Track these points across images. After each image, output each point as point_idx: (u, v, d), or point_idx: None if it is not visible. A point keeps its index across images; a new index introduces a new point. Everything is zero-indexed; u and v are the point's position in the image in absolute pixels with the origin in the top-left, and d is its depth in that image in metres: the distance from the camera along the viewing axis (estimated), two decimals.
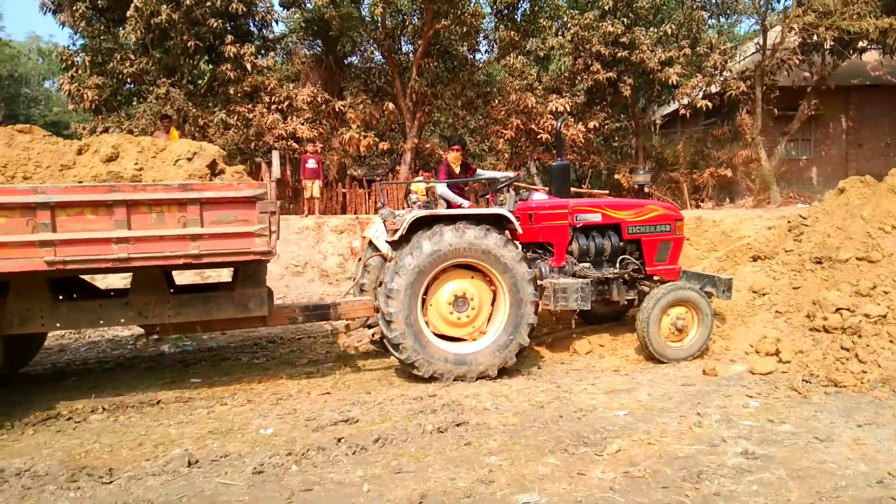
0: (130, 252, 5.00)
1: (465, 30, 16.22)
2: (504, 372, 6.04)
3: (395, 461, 4.09)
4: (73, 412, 5.18)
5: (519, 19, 17.46)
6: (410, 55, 18.64)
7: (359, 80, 19.26)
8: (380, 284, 5.95)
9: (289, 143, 16.74)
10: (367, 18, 17.04)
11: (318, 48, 19.83)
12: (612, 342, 7.22)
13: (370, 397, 5.52)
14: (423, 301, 5.92)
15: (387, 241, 6.36)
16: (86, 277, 6.37)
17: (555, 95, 18.27)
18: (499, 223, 6.11)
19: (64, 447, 4.47)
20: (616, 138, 21.75)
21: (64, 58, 16.35)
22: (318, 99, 17.15)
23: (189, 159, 5.52)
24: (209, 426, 4.82)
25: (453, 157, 7.58)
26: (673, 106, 20.09)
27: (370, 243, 6.91)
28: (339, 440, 4.41)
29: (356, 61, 20.45)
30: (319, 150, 16.28)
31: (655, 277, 7.04)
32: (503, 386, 5.73)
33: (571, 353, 7.04)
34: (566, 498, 3.52)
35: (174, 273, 6.46)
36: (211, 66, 16.98)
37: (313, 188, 14.68)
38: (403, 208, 7.69)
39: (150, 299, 5.59)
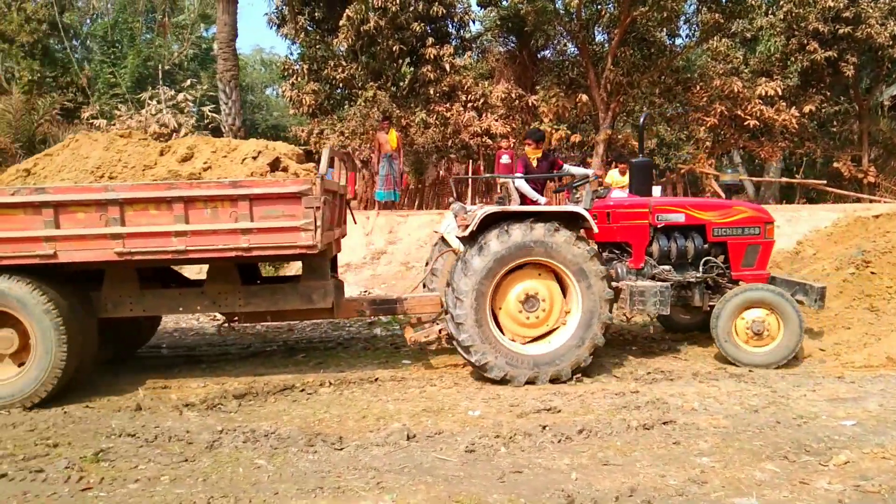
0: (188, 245, 5.36)
1: (664, 15, 15.61)
2: (584, 372, 5.89)
3: (602, 453, 4.13)
4: (305, 385, 5.82)
5: (724, 0, 16.42)
6: (605, 45, 18.30)
7: (552, 73, 19.25)
8: (448, 285, 5.84)
9: (483, 140, 17.22)
10: (561, 11, 17.00)
11: (511, 44, 20.12)
12: (833, 347, 6.63)
13: (571, 389, 5.59)
14: (493, 301, 5.82)
15: (457, 237, 6.29)
16: (175, 268, 6.88)
17: (764, 79, 16.99)
18: (573, 221, 5.91)
19: (300, 415, 5.05)
20: (834, 123, 19.70)
21: (285, 67, 18.17)
22: (512, 95, 17.43)
23: (254, 158, 5.73)
24: (422, 405, 5.18)
25: (529, 151, 7.21)
26: None
27: (442, 238, 6.91)
28: (544, 427, 4.53)
29: (549, 55, 20.45)
30: (513, 146, 16.56)
31: (741, 283, 6.53)
32: (711, 387, 5.52)
33: None
34: None
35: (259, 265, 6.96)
36: (412, 69, 17.93)
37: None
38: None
39: (223, 289, 5.96)
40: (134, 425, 4.73)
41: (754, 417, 4.73)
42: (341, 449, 4.28)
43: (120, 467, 4.00)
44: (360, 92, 16.66)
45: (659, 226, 6.49)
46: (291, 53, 20.19)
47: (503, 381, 5.68)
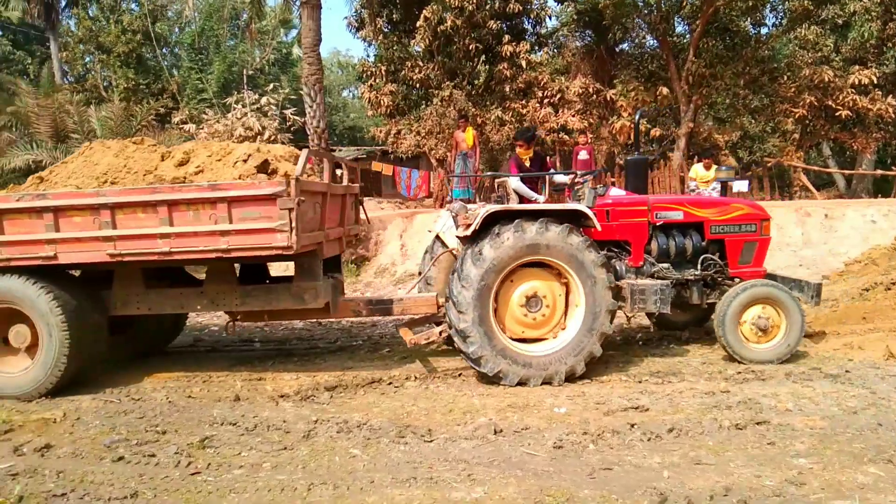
0: (171, 247, 5.46)
1: (749, 3, 15.11)
2: (595, 371, 5.87)
3: (693, 452, 4.08)
4: (392, 379, 5.97)
5: None
6: (686, 36, 17.84)
7: (630, 66, 18.94)
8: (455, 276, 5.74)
9: (559, 136, 17.11)
10: (640, 3, 16.68)
11: (588, 38, 19.91)
12: None
13: (658, 388, 5.52)
14: (496, 300, 5.76)
15: (457, 237, 6.18)
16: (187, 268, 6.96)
17: (857, 67, 16.15)
18: (576, 219, 5.88)
19: (389, 407, 5.19)
20: None
21: (363, 69, 18.56)
22: (590, 89, 17.24)
23: (244, 161, 5.79)
24: (507, 400, 5.24)
25: (521, 152, 7.23)
26: None
27: (437, 238, 6.83)
28: (632, 426, 4.51)
29: (627, 48, 20.12)
30: (590, 141, 16.37)
31: (738, 280, 6.45)
32: (806, 388, 5.34)
33: (886, 356, 6.27)
34: None
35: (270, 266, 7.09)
36: (488, 67, 17.99)
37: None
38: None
39: (221, 289, 6.05)
40: (234, 415, 4.99)
41: (853, 419, 4.55)
42: (431, 441, 4.39)
43: (224, 454, 4.23)
44: (436, 91, 16.86)
45: (658, 224, 6.42)
46: (368, 56, 20.64)
47: (495, 378, 5.62)
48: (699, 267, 6.43)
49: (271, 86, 23.22)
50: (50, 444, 4.45)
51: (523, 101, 16.97)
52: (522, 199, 6.94)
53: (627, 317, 6.94)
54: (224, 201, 5.35)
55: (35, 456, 4.27)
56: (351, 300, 6.61)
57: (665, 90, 17.11)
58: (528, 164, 7.20)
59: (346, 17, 17.99)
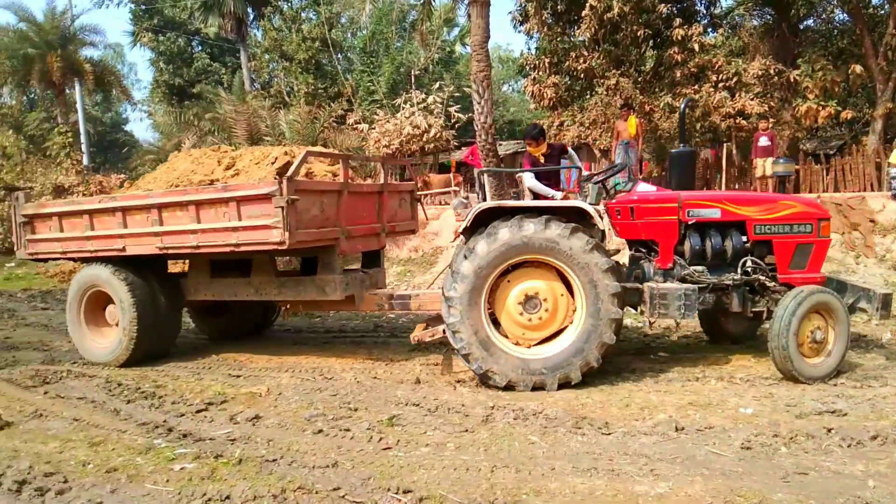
0: (199, 241, 6.11)
1: None
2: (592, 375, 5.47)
3: None
4: None
5: None
6: (884, 7, 16.05)
7: (816, 44, 17.40)
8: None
9: (736, 121, 16.09)
10: None
11: (768, 16, 18.53)
12: None
13: (857, 392, 5.11)
14: (491, 302, 5.59)
15: (455, 232, 6.04)
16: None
17: None
18: (581, 217, 5.55)
19: (563, 398, 5.24)
20: None
21: (527, 62, 18.60)
22: (770, 71, 16.05)
23: (272, 163, 6.17)
24: (687, 398, 5.09)
25: (532, 150, 6.71)
26: None
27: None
28: (829, 430, 4.22)
29: (813, 24, 18.48)
30: (770, 126, 15.25)
31: (787, 287, 5.64)
32: None
33: None
34: None
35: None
36: (656, 52, 17.32)
37: (765, 166, 13.84)
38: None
39: (262, 280, 6.71)
40: (416, 396, 5.29)
41: None
42: (609, 434, 4.38)
43: (411, 432, 4.51)
44: (601, 81, 16.51)
45: (690, 222, 5.76)
46: (530, 49, 20.62)
47: (508, 388, 5.40)
48: (739, 271, 5.73)
49: (436, 84, 23.97)
50: (259, 415, 4.99)
51: (695, 87, 16.13)
52: (538, 197, 6.51)
53: (650, 322, 6.29)
54: (234, 201, 5.92)
55: (248, 425, 4.81)
56: (375, 294, 6.81)
57: (858, 68, 15.50)
58: (542, 160, 6.73)
59: (510, 13, 18.15)
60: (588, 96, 17.74)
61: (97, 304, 7.13)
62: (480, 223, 5.57)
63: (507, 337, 5.63)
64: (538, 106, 18.24)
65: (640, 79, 17.02)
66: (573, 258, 5.32)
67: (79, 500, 3.62)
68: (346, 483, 3.67)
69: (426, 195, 20.74)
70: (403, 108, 22.79)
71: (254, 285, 6.83)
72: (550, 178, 6.75)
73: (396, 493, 3.51)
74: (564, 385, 5.41)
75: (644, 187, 6.33)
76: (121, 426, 4.89)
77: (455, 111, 22.61)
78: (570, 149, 7.12)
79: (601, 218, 5.65)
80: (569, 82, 17.80)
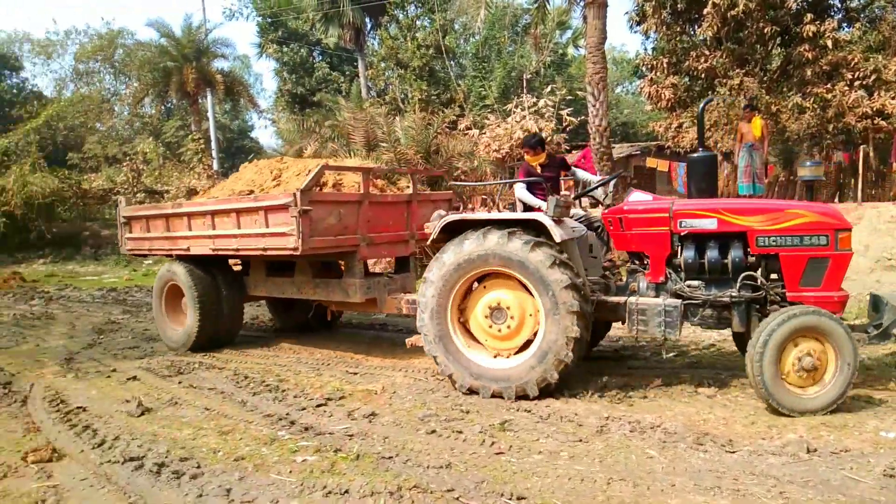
0: (238, 245, 6.99)
1: None
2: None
3: None
4: (683, 383, 5.77)
5: None
6: None
7: None
8: None
9: (874, 122, 14.93)
10: None
11: None
12: None
13: None
14: (463, 309, 5.74)
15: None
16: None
17: None
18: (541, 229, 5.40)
19: (682, 412, 5.03)
20: None
21: (642, 63, 18.11)
22: None
23: (308, 174, 6.65)
24: (819, 418, 4.74)
25: (530, 159, 6.56)
26: None
27: None
28: None
29: None
30: None
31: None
32: None
33: None
34: None
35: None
36: (784, 50, 16.37)
37: None
38: None
39: (303, 280, 7.44)
40: (528, 402, 5.26)
41: None
42: (733, 452, 4.17)
43: (524, 438, 4.49)
44: (723, 81, 15.81)
45: (683, 233, 5.34)
46: (646, 49, 20.06)
47: (470, 393, 5.50)
48: (738, 286, 5.20)
49: (548, 88, 23.78)
50: (375, 412, 5.13)
51: (828, 85, 15.11)
52: (527, 208, 6.35)
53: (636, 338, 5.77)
54: (263, 210, 6.60)
55: (364, 421, 4.96)
56: (395, 298, 7.07)
57: None
58: (539, 170, 6.51)
59: (626, 13, 17.77)
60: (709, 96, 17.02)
61: (175, 296, 8.11)
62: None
63: (481, 344, 5.73)
64: (655, 107, 17.72)
65: (765, 78, 16.16)
66: (533, 273, 5.24)
67: (210, 485, 3.85)
68: (460, 485, 3.70)
69: None
70: (514, 113, 22.78)
71: (296, 285, 7.60)
72: (540, 189, 6.44)
73: (511, 499, 3.51)
74: (522, 397, 5.32)
75: (637, 196, 5.88)
76: (247, 417, 5.17)
77: (567, 114, 22.34)
78: (573, 166, 7.03)
79: (557, 230, 5.34)
80: (688, 82, 17.20)
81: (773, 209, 5.30)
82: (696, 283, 5.39)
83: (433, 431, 4.66)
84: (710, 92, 17.06)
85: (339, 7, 28.77)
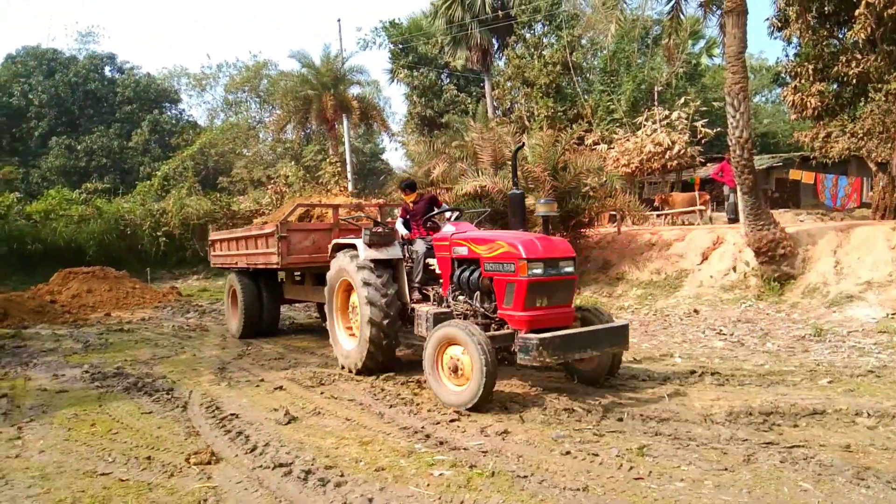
0: (259, 261, 9.90)
1: None
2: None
3: None
4: (838, 412, 5.34)
5: None
6: None
7: None
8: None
9: None
10: None
11: None
12: None
13: None
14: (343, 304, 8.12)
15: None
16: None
17: None
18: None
19: (838, 443, 4.63)
20: None
21: (786, 70, 17.06)
22: None
23: (294, 210, 9.99)
24: None
25: (406, 198, 8.38)
26: None
27: None
28: None
29: None
30: None
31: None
32: None
33: None
34: None
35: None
36: None
37: None
38: None
39: (308, 288, 10.23)
40: (668, 427, 5.08)
41: None
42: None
43: (663, 465, 4.34)
44: (878, 86, 14.57)
45: (455, 258, 6.82)
46: (787, 55, 18.88)
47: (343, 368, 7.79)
48: (474, 302, 6.59)
49: (681, 99, 22.97)
50: (508, 430, 5.15)
51: None
52: (403, 237, 8.01)
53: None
54: (265, 236, 9.57)
55: (497, 438, 4.99)
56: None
57: None
58: (412, 206, 8.26)
59: (766, 19, 16.80)
60: (861, 103, 15.76)
61: (234, 298, 11.12)
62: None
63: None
64: (799, 116, 16.60)
65: None
66: (355, 285, 7.41)
67: (353, 494, 4.03)
68: None
69: (666, 215, 19.93)
70: (644, 126, 22.19)
71: (305, 290, 10.37)
72: (415, 222, 8.22)
73: None
74: (362, 372, 7.41)
75: (448, 228, 7.17)
76: (385, 428, 5.37)
77: (702, 126, 21.47)
78: (441, 202, 8.67)
79: (364, 251, 7.42)
80: (836, 89, 15.98)
81: (490, 240, 6.39)
82: (462, 297, 6.77)
83: (567, 452, 4.61)
84: (862, 99, 15.81)
85: (468, 30, 29.39)
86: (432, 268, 7.28)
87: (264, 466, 4.54)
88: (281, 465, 4.51)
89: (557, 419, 5.43)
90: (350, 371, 7.52)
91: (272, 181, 29.62)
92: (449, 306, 6.81)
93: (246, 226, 13.93)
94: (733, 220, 15.94)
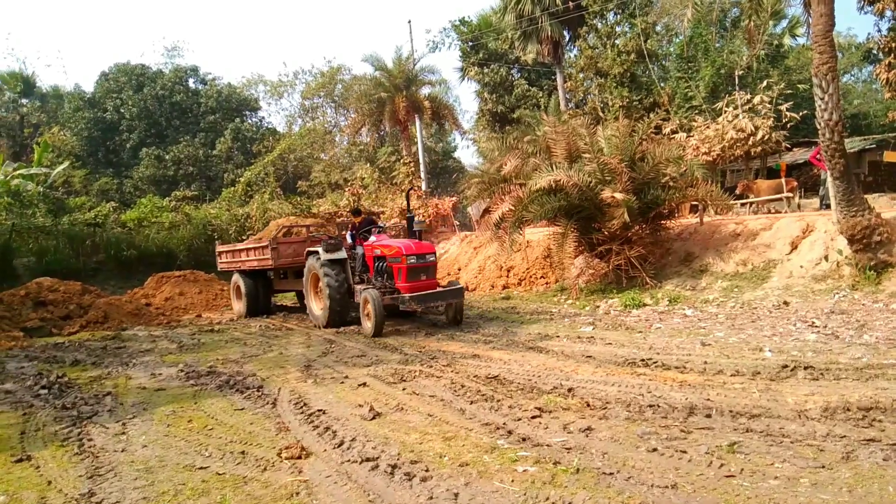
0: (257, 265, 14.67)
1: None
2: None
3: None
4: None
5: None
6: None
7: None
8: None
9: None
10: None
11: None
12: None
13: None
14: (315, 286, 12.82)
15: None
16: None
17: None
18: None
19: None
20: None
21: (879, 46, 16.10)
22: None
23: (279, 228, 16.59)
24: None
25: (355, 221, 12.90)
26: None
27: None
28: None
29: None
30: None
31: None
32: None
33: None
34: None
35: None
36: None
37: None
38: None
39: (291, 281, 14.84)
40: (758, 423, 4.91)
41: None
42: None
43: (756, 462, 4.20)
44: None
45: (375, 256, 11.72)
46: (880, 30, 17.78)
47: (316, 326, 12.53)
48: (384, 282, 11.46)
49: (764, 83, 22.02)
50: (591, 426, 5.10)
51: None
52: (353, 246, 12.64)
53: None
54: (260, 247, 14.29)
55: (581, 435, 4.95)
56: None
57: None
58: (357, 224, 12.67)
59: None
60: None
61: (238, 290, 15.48)
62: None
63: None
64: (894, 95, 15.62)
65: None
66: (320, 276, 11.99)
67: (439, 489, 4.09)
68: None
69: (751, 203, 19.14)
70: (725, 112, 21.41)
71: (289, 282, 15.00)
72: (358, 235, 12.52)
73: None
74: (328, 326, 12.21)
75: (372, 238, 11.98)
76: (467, 424, 5.41)
77: (786, 109, 20.53)
78: (379, 221, 13.48)
79: (324, 254, 12.16)
80: None
81: (390, 245, 11.33)
82: (380, 279, 11.47)
83: (654, 449, 4.53)
84: None
85: (538, 23, 29.08)
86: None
87: (352, 461, 4.67)
88: (368, 460, 4.63)
89: (642, 416, 5.34)
90: (318, 327, 12.35)
91: (349, 184, 30.26)
92: (373, 284, 11.45)
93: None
94: (829, 206, 15.17)
